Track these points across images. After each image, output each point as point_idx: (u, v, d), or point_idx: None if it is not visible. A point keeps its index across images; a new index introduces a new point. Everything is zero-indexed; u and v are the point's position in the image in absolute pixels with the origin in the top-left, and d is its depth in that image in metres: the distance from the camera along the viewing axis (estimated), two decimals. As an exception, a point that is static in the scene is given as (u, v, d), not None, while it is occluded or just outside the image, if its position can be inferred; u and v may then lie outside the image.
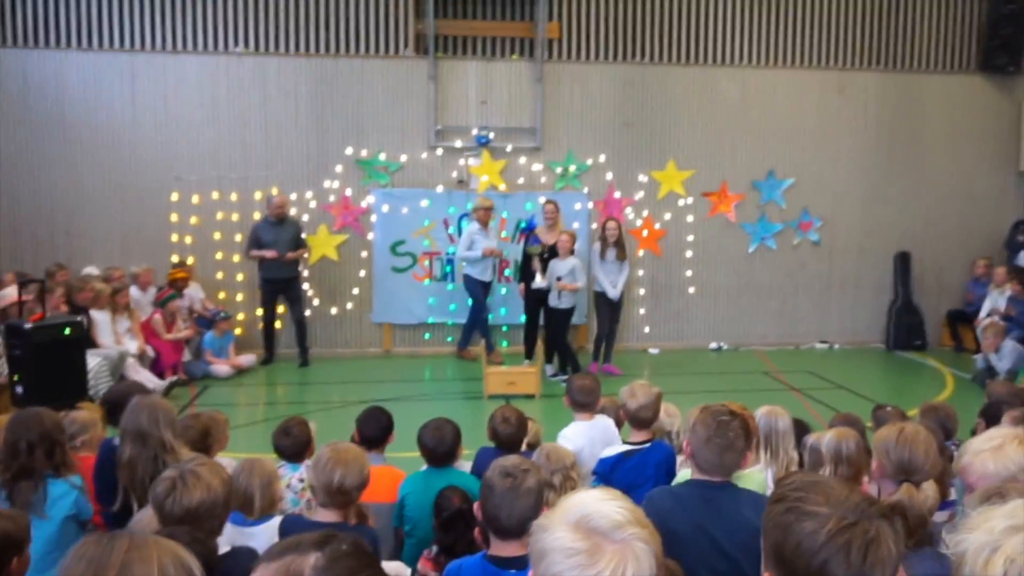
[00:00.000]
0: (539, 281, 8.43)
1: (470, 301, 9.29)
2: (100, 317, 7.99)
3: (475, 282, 9.15)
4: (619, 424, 4.37)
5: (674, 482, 3.44)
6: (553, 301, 8.42)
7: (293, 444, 4.02)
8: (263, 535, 3.05)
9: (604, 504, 1.27)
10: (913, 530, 2.34)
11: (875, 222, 10.59)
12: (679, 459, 3.88)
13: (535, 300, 8.59)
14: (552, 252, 8.53)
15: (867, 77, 10.38)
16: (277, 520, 3.13)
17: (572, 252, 8.51)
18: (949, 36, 10.48)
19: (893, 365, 9.99)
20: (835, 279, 10.64)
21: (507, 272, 9.90)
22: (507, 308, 9.89)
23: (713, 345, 10.38)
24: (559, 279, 8.32)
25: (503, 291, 9.89)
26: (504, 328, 9.94)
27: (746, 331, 10.48)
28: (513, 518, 2.29)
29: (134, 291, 8.70)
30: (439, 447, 3.72)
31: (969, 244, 10.62)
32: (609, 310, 8.95)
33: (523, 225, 9.42)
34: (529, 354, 8.73)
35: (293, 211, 9.55)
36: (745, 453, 2.62)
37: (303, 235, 9.31)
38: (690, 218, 10.24)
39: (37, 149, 9.34)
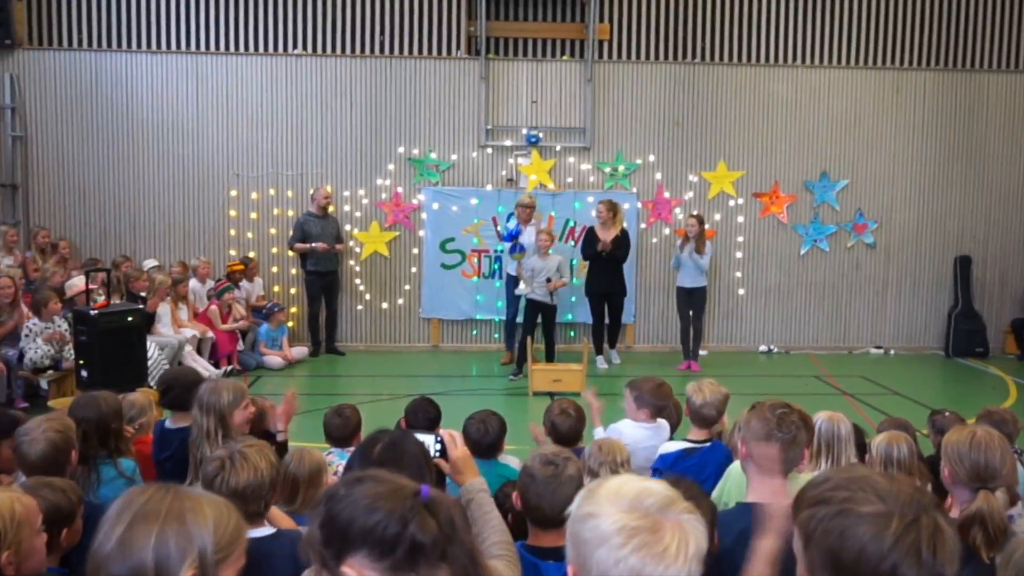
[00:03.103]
0: (521, 288, 8.53)
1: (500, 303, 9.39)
2: (160, 307, 8.20)
3: (510, 279, 9.14)
4: (672, 424, 4.23)
5: (721, 481, 3.29)
6: (543, 297, 8.39)
7: (343, 425, 4.05)
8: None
9: (650, 484, 1.25)
10: (994, 539, 2.20)
11: (933, 224, 10.26)
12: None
13: (532, 305, 8.49)
14: (612, 250, 8.61)
15: (924, 76, 10.08)
16: None
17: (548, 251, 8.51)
18: (1009, 34, 10.11)
19: (952, 372, 9.64)
20: (891, 282, 10.34)
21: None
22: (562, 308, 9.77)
23: (763, 348, 10.19)
24: (548, 280, 8.31)
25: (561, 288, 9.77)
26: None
27: (797, 334, 10.26)
28: (555, 508, 2.24)
29: (193, 282, 8.92)
30: (484, 439, 3.71)
31: (1034, 248, 10.23)
32: (688, 305, 8.98)
33: (508, 232, 9.12)
34: (520, 361, 8.53)
35: (346, 208, 9.74)
36: (804, 449, 2.48)
37: (347, 228, 9.56)
38: (741, 219, 10.08)
39: (106, 147, 9.66)
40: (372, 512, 1.25)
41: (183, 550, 1.32)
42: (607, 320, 9.11)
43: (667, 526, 1.18)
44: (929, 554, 1.20)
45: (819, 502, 1.29)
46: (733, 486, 3.05)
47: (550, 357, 8.59)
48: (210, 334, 8.50)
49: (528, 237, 8.88)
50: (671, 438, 4.09)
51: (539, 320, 8.56)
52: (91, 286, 8.07)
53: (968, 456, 2.47)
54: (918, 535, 1.21)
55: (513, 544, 2.06)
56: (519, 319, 8.91)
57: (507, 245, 8.98)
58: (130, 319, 7.06)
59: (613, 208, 8.83)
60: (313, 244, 9.11)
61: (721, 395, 3.80)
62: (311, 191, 9.52)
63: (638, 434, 4.01)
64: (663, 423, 4.15)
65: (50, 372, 7.20)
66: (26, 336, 7.17)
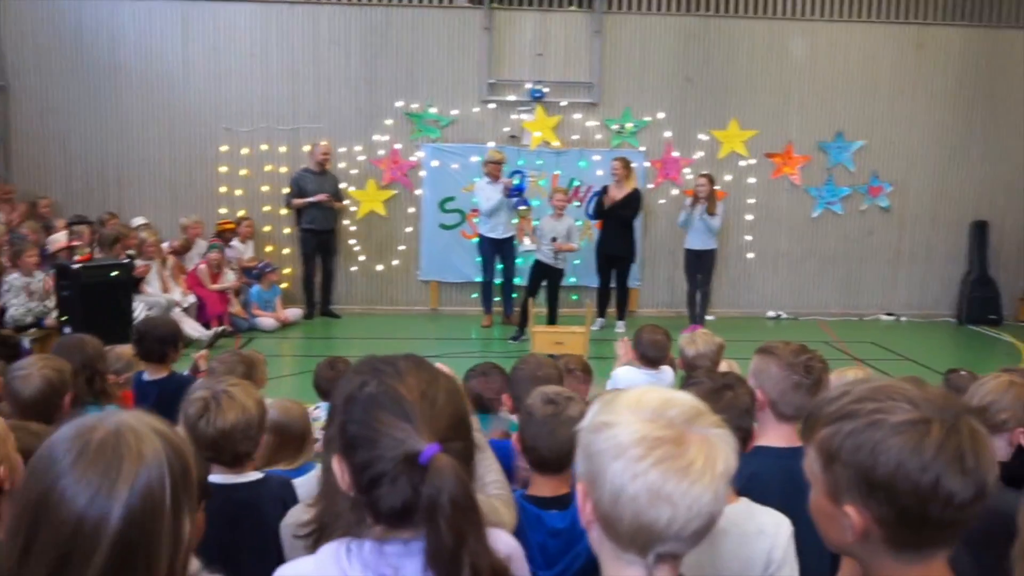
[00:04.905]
0: (528, 244, 8.40)
1: (478, 259, 9.25)
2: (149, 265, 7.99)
3: (485, 240, 9.00)
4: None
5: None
6: (548, 259, 8.24)
7: (336, 379, 3.86)
8: (302, 487, 2.84)
9: (676, 394, 1.15)
10: None
11: (951, 188, 10.07)
12: None
13: (537, 267, 8.38)
14: (618, 207, 8.48)
15: (948, 32, 9.81)
16: (317, 469, 2.93)
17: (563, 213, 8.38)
18: (1040, -11, 9.84)
19: (964, 339, 9.55)
20: (904, 248, 10.19)
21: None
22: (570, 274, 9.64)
23: (771, 313, 10.07)
24: (554, 239, 8.14)
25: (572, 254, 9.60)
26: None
27: (807, 300, 10.14)
28: (552, 449, 2.15)
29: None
30: (486, 392, 3.52)
31: (1054, 214, 10.06)
32: (696, 268, 8.88)
33: (513, 186, 8.86)
34: (523, 323, 8.45)
35: (342, 165, 9.53)
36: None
37: (342, 187, 9.39)
38: (752, 180, 9.89)
39: (89, 98, 9.39)
40: (371, 444, 1.19)
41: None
42: (613, 286, 9.00)
43: (693, 439, 1.08)
44: (973, 460, 1.11)
45: (842, 417, 1.18)
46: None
47: (552, 322, 8.44)
48: (192, 298, 8.29)
49: (494, 193, 8.67)
50: None
51: (543, 283, 8.42)
52: (75, 242, 7.86)
53: (1004, 401, 2.35)
54: (960, 441, 1.11)
55: (508, 484, 2.02)
56: (498, 281, 9.01)
57: (499, 205, 8.69)
58: (115, 274, 6.90)
59: (628, 166, 8.71)
60: (312, 197, 8.94)
61: (715, 345, 3.75)
62: (308, 147, 9.31)
63: (638, 380, 3.98)
64: (666, 369, 4.14)
65: (32, 331, 7.00)
66: (7, 292, 6.95)
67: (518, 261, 9.14)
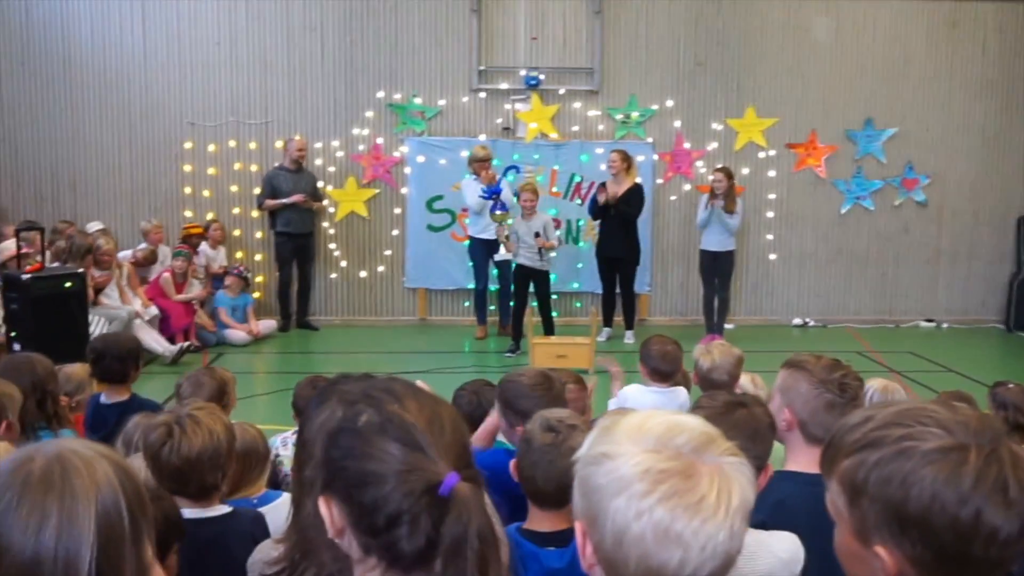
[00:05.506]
0: (503, 253, 8.46)
1: (470, 264, 9.31)
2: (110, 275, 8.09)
3: (474, 242, 9.07)
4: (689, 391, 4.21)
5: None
6: (532, 262, 8.32)
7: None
8: (271, 515, 2.84)
9: (683, 418, 1.15)
10: None
11: (994, 179, 10.14)
12: None
13: (520, 272, 8.44)
14: (618, 203, 8.50)
15: (985, 8, 9.90)
16: (285, 497, 2.98)
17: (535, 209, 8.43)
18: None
19: (1013, 347, 9.58)
20: (944, 246, 10.24)
21: (557, 233, 9.66)
22: (556, 273, 9.66)
23: (797, 321, 10.12)
24: (537, 235, 8.24)
25: (552, 253, 9.69)
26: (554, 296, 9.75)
27: (837, 306, 10.18)
28: (550, 481, 2.16)
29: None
30: (476, 412, 3.54)
31: (1109, 208, 10.13)
32: (713, 271, 8.93)
33: (486, 190, 8.73)
34: (517, 336, 8.54)
35: (319, 162, 9.61)
36: None
37: (319, 185, 9.46)
38: (772, 173, 9.96)
39: (39, 92, 9.48)
40: (380, 479, 1.12)
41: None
42: (618, 291, 9.05)
43: (704, 470, 1.07)
44: (1017, 491, 1.08)
45: (866, 446, 1.16)
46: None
47: (548, 331, 8.50)
48: (154, 310, 8.37)
49: (472, 191, 8.74)
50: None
51: (531, 288, 8.50)
52: (25, 250, 7.94)
53: None
54: (1001, 469, 1.09)
55: (498, 517, 1.98)
56: (492, 287, 9.02)
57: (486, 203, 8.68)
58: (68, 285, 6.99)
59: (627, 159, 8.75)
60: (287, 198, 9.01)
61: (733, 357, 3.73)
62: (281, 142, 9.40)
63: (647, 400, 3.95)
64: (679, 389, 4.10)
65: (-24, 348, 7.07)
66: (-51, 305, 7.03)
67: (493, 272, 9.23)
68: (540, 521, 2.23)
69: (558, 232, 9.69)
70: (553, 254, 8.88)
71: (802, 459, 2.31)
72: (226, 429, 2.51)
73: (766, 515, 1.97)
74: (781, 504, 2.16)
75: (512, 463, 2.33)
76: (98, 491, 1.10)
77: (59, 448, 1.14)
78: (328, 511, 1.15)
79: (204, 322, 8.77)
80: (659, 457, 1.08)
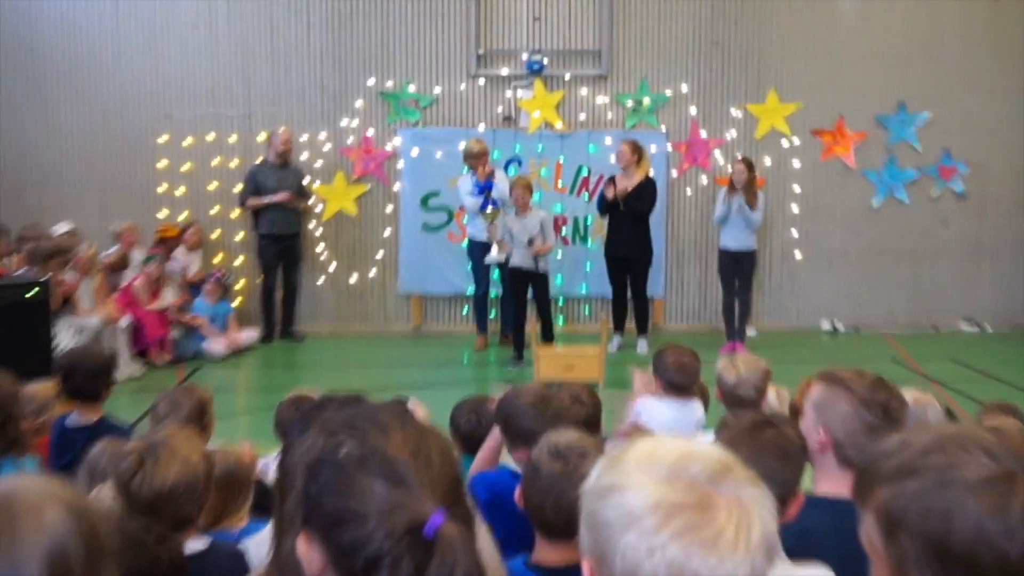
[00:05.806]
0: (493, 255, 8.43)
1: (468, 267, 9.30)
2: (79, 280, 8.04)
3: (473, 244, 9.04)
4: (706, 405, 4.22)
5: None
6: (528, 264, 8.23)
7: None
8: (255, 548, 2.81)
9: (697, 446, 1.15)
10: None
11: (1040, 168, 10.09)
12: None
13: (516, 275, 8.36)
14: (628, 199, 8.47)
15: (1030, -19, 9.87)
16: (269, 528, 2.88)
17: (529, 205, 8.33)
18: None
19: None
20: (987, 241, 10.23)
21: (563, 232, 9.75)
22: (562, 275, 9.69)
23: (826, 326, 10.10)
24: (530, 242, 8.16)
25: (558, 254, 9.65)
26: (559, 301, 9.75)
27: (869, 308, 10.16)
28: (559, 512, 2.17)
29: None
30: (476, 431, 3.59)
31: None
32: (734, 272, 8.89)
33: (476, 185, 8.76)
34: (519, 345, 8.50)
35: (305, 156, 9.60)
36: None
37: (305, 182, 9.48)
38: (797, 163, 9.94)
39: (3, 85, 9.47)
40: (360, 519, 1.13)
41: None
42: (629, 295, 9.00)
43: (721, 503, 1.07)
44: None
45: (905, 474, 1.18)
46: None
47: (548, 339, 8.44)
48: (126, 320, 8.31)
49: (465, 186, 8.72)
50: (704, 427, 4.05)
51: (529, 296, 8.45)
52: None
53: None
54: None
55: (499, 553, 2.00)
56: (493, 293, 9.01)
57: (476, 200, 8.65)
58: (30, 294, 6.91)
59: (638, 150, 8.71)
60: (270, 197, 8.99)
61: (760, 371, 3.71)
62: (264, 135, 9.40)
63: (661, 413, 3.94)
64: (695, 402, 4.09)
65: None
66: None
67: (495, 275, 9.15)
68: (548, 552, 2.25)
69: (564, 230, 9.68)
70: (557, 255, 8.81)
71: (833, 483, 2.32)
72: (203, 457, 2.54)
73: (792, 543, 1.93)
74: (807, 532, 2.13)
75: (517, 491, 2.35)
76: (48, 536, 1.09)
77: (6, 489, 1.14)
78: (307, 549, 1.17)
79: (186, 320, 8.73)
80: (671, 488, 1.08)
